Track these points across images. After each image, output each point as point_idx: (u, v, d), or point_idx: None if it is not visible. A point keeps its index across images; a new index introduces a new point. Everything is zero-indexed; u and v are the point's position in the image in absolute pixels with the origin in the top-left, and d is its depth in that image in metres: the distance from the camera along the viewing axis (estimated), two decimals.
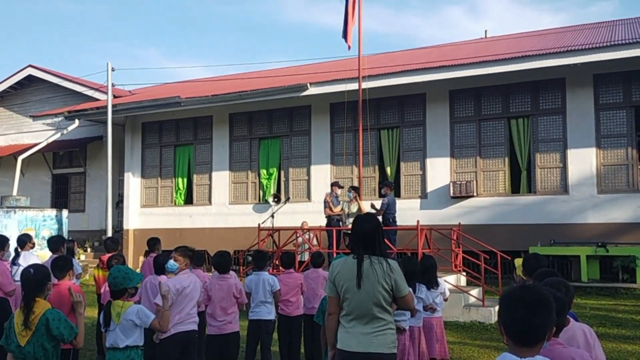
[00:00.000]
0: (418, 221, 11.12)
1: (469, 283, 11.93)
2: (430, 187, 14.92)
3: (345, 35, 12.57)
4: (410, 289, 4.16)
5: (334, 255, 11.12)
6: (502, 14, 58.10)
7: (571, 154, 13.54)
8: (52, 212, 15.40)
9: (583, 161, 13.43)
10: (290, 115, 16.83)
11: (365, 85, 13.46)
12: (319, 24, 62.88)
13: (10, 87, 21.93)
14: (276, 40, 64.83)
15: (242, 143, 17.48)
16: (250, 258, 12.72)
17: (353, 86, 13.73)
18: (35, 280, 4.19)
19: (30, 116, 20.54)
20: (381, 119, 15.66)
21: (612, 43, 12.80)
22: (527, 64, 13.11)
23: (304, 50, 63.41)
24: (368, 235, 4.01)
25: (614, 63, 12.71)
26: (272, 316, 6.86)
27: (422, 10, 62.01)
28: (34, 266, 4.51)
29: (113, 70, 17.48)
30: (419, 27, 62.05)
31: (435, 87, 14.69)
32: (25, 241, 8.73)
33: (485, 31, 21.01)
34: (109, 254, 8.52)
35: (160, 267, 6.54)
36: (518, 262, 5.56)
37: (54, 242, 8.23)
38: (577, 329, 3.20)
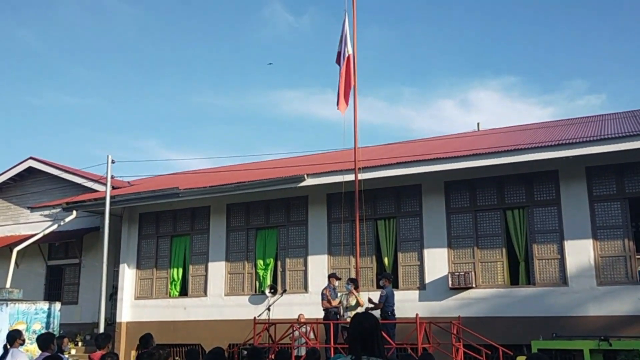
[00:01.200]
0: (417, 315, 10.94)
1: None
2: (428, 278, 14.78)
3: (338, 101, 12.86)
4: None
5: (332, 350, 10.86)
6: (492, 107, 59.84)
7: (568, 245, 13.52)
8: (45, 305, 15.14)
9: (581, 252, 13.38)
10: (287, 205, 16.93)
11: (362, 176, 13.65)
12: (316, 116, 64.57)
13: (10, 178, 22.15)
14: (273, 131, 66.32)
15: (239, 233, 17.46)
16: (245, 352, 12.39)
17: (350, 177, 13.92)
18: None
19: (28, 207, 20.61)
20: (378, 209, 15.75)
21: (603, 137, 13.10)
22: (520, 157, 13.35)
23: (301, 142, 64.69)
24: (366, 335, 3.94)
25: (606, 156, 12.96)
26: None
27: (415, 102, 63.88)
28: None
29: (113, 162, 17.73)
30: (412, 118, 63.70)
31: (431, 179, 14.88)
32: (15, 337, 8.55)
33: (478, 124, 21.61)
34: (99, 352, 8.32)
35: None
36: None
37: (44, 340, 8.07)
38: None
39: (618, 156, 12.94)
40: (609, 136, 13.06)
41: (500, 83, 59.11)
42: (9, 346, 8.48)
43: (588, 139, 13.25)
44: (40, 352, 8.15)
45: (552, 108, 55.98)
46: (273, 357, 11.81)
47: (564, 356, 12.62)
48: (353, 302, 12.14)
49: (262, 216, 17.26)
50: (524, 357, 5.30)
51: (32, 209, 20.31)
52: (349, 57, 12.89)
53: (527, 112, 56.00)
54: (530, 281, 13.89)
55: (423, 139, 21.18)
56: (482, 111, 58.00)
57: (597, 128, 15.25)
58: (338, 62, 13.06)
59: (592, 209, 13.51)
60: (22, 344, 8.73)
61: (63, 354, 8.91)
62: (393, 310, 12.10)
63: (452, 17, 55.68)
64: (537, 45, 55.41)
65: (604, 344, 12.06)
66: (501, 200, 14.46)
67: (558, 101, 57.70)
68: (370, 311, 10.40)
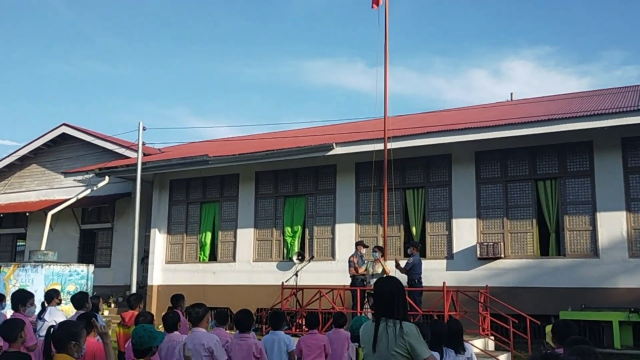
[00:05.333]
0: (444, 283, 10.95)
1: (497, 348, 11.59)
2: (456, 248, 14.73)
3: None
4: (433, 353, 4.05)
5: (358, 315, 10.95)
6: (526, 78, 58.66)
7: (601, 217, 13.32)
8: (79, 267, 15.54)
9: (613, 224, 13.17)
10: (315, 174, 16.96)
11: (391, 145, 13.57)
12: (345, 86, 64.10)
13: (44, 144, 22.61)
14: (303, 101, 66.16)
15: (268, 201, 17.59)
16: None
17: (379, 146, 13.85)
18: (54, 337, 4.19)
19: (62, 173, 21.03)
20: (407, 178, 15.67)
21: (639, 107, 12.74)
22: (554, 127, 13.09)
23: (330, 111, 64.52)
24: (387, 299, 3.98)
25: None
26: None
27: (446, 72, 62.96)
28: (62, 323, 4.52)
29: (144, 129, 17.92)
30: (442, 89, 62.88)
31: (461, 148, 14.72)
32: (52, 296, 8.81)
33: (511, 94, 21.15)
34: (131, 312, 8.53)
35: (171, 326, 6.53)
36: (549, 329, 5.40)
37: (78, 300, 8.30)
38: None
39: None
40: None
41: (534, 52, 57.80)
42: (46, 304, 8.75)
43: (624, 109, 12.91)
44: (75, 310, 8.38)
45: (589, 78, 54.64)
46: (301, 321, 11.99)
47: (593, 328, 12.54)
48: (379, 270, 12.19)
49: (291, 184, 17.34)
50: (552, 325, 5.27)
51: (66, 174, 20.73)
52: None
53: (562, 82, 54.80)
54: (560, 252, 13.76)
55: (454, 108, 20.93)
56: (516, 81, 56.94)
57: (634, 98, 14.83)
58: None
59: (626, 181, 13.24)
60: (59, 303, 8.99)
61: (98, 312, 9.14)
62: (420, 278, 12.11)
63: None
64: (574, 14, 53.90)
65: (634, 316, 11.96)
66: (533, 170, 14.25)
67: (595, 71, 56.25)
68: (396, 276, 10.44)
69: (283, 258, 17.03)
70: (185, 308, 5.92)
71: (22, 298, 7.43)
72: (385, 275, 11.15)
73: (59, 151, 22.69)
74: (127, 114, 65.53)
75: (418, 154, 15.22)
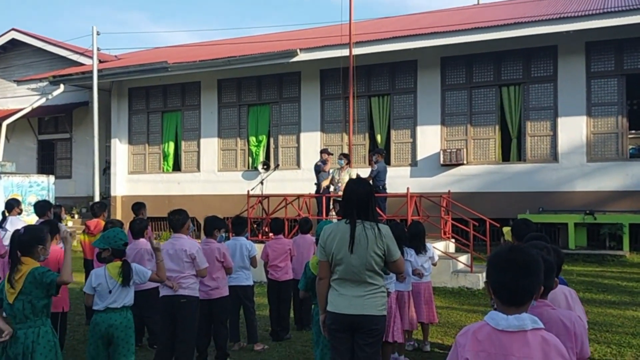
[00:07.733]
0: (408, 189, 11.12)
1: (457, 250, 11.98)
2: (420, 155, 14.88)
3: None
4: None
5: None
6: None
7: (562, 122, 13.52)
8: (39, 179, 15.24)
9: (573, 129, 13.41)
10: (279, 81, 16.64)
11: (356, 51, 13.31)
12: None
13: None
14: (266, 5, 63.88)
15: (231, 110, 17.29)
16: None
17: (343, 52, 13.56)
18: (21, 241, 4.15)
19: (15, 81, 20.17)
20: (372, 86, 15.51)
21: (605, 10, 12.67)
22: (519, 31, 12.98)
23: (294, 16, 62.59)
24: (361, 200, 3.96)
25: (606, 31, 12.61)
26: (250, 282, 6.85)
27: None
28: (27, 227, 4.47)
29: (98, 34, 17.14)
30: None
31: (427, 54, 14.54)
32: (13, 206, 8.64)
33: None
34: (95, 220, 8.45)
35: (138, 232, 6.57)
36: (506, 229, 5.55)
37: (41, 207, 8.15)
38: (559, 292, 3.26)
39: (618, 31, 12.62)
40: (610, 10, 12.63)
41: None
42: (7, 214, 8.58)
43: (590, 12, 12.82)
44: (37, 219, 8.25)
45: None
46: (267, 229, 12.11)
47: (549, 229, 13.03)
48: (346, 178, 12.21)
49: (254, 92, 17.01)
50: (509, 228, 5.41)
51: (19, 82, 19.90)
52: None
53: None
54: (521, 158, 14.03)
55: (420, 12, 20.50)
56: None
57: (600, 2, 14.70)
58: None
59: (588, 86, 13.36)
60: (19, 213, 8.83)
61: (61, 222, 9.02)
62: (384, 184, 12.23)
63: None
64: None
65: (588, 218, 12.45)
66: (497, 76, 14.23)
67: None
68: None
69: (248, 167, 16.98)
70: (167, 214, 5.81)
71: None
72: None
73: (9, 58, 21.62)
74: (80, 20, 62.50)
75: (383, 60, 15.00)
